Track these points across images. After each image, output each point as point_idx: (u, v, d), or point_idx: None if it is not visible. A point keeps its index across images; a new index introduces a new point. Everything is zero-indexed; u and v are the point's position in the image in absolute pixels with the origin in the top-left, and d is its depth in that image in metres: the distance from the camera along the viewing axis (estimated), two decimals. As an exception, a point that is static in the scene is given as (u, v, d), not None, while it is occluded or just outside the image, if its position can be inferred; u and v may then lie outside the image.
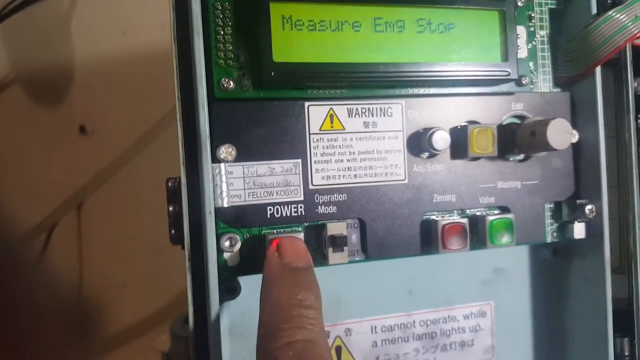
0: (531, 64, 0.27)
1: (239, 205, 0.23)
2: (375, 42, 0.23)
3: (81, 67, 0.53)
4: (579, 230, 0.27)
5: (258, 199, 0.23)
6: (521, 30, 0.27)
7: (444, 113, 0.26)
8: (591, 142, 0.27)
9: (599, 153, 0.27)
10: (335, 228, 0.24)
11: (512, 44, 0.25)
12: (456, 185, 0.26)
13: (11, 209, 0.54)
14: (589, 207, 0.27)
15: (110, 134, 0.53)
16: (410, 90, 0.24)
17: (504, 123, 0.26)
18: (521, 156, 0.27)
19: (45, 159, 0.53)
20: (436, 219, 0.25)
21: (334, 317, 0.27)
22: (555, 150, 0.24)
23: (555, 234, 0.28)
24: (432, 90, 0.25)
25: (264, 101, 0.23)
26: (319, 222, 0.24)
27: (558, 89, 0.28)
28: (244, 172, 0.23)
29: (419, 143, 0.25)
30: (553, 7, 0.28)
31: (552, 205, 0.28)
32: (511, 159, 0.27)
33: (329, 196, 0.24)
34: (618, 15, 0.25)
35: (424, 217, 0.26)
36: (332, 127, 0.24)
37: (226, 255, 0.23)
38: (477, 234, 0.25)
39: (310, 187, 0.24)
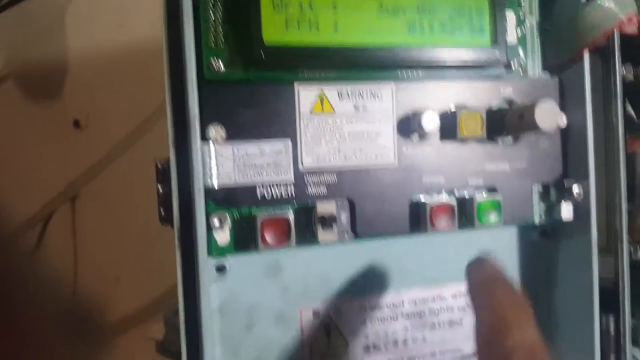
0: (521, 49, 0.27)
1: (228, 185, 0.23)
2: (365, 25, 0.23)
3: (76, 61, 0.53)
4: (566, 211, 0.28)
5: (248, 180, 0.24)
6: (511, 15, 0.27)
7: (434, 96, 0.26)
8: (579, 125, 0.27)
9: (586, 136, 0.27)
10: (324, 208, 0.24)
11: (501, 29, 0.25)
12: (445, 167, 0.26)
13: (6, 204, 0.54)
14: (576, 188, 0.27)
15: (104, 128, 0.53)
16: (401, 74, 0.25)
17: (493, 107, 0.27)
18: (510, 139, 0.27)
19: (40, 154, 0.53)
20: (425, 199, 0.26)
21: (323, 296, 0.27)
22: (543, 132, 0.24)
23: (543, 215, 0.28)
24: (422, 74, 0.25)
25: (254, 82, 0.23)
26: (309, 203, 0.24)
27: (547, 75, 0.28)
28: (233, 153, 0.23)
29: (408, 125, 0.25)
30: (543, -8, 0.28)
31: (540, 188, 0.28)
32: (500, 141, 0.27)
33: (318, 177, 0.25)
34: (606, 2, 0.26)
35: (413, 197, 0.26)
36: (322, 109, 0.24)
37: (216, 234, 0.23)
38: (465, 214, 0.26)
39: (301, 168, 0.24)
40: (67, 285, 0.55)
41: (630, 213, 0.30)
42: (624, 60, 0.29)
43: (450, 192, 0.27)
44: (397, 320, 0.28)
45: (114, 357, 0.55)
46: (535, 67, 0.28)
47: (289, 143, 0.24)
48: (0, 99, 0.53)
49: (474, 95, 0.26)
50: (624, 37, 0.28)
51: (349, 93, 0.25)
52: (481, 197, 0.26)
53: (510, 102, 0.27)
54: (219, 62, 0.22)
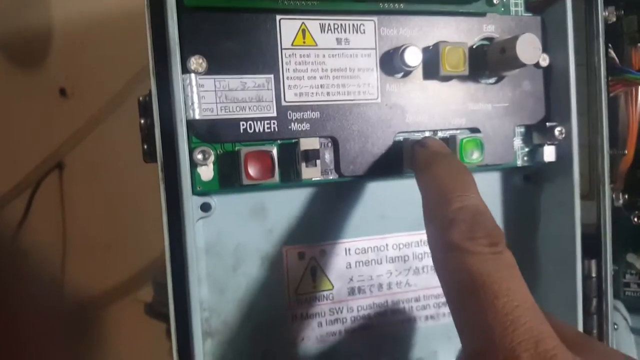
0: (503, -15, 0.27)
1: (211, 119, 0.23)
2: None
3: (60, 31, 0.53)
4: (548, 153, 0.28)
5: (230, 114, 0.24)
6: (494, -51, 0.27)
7: (416, 32, 0.26)
8: (561, 65, 0.27)
9: (568, 75, 0.27)
10: (308, 143, 0.24)
11: (483, -39, 0.25)
12: (428, 106, 0.26)
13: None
14: (558, 129, 0.27)
15: (90, 96, 0.53)
16: (382, 5, 0.25)
17: (475, 45, 0.27)
18: (493, 79, 0.27)
19: (27, 123, 0.52)
20: (408, 138, 0.26)
21: (308, 238, 0.27)
22: (525, 65, 0.24)
23: (526, 157, 0.28)
24: (404, 6, 0.25)
25: (235, 12, 0.23)
26: (292, 139, 0.24)
27: (530, 13, 0.28)
28: (215, 86, 0.23)
29: (391, 62, 0.25)
30: None
31: (522, 130, 0.28)
32: (482, 81, 0.27)
33: (302, 113, 0.24)
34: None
35: (397, 137, 0.26)
36: (304, 42, 0.24)
37: (200, 169, 0.23)
38: (448, 152, 0.26)
39: (283, 103, 0.24)
40: (56, 257, 0.55)
41: (613, 158, 0.30)
42: (606, 3, 0.29)
43: (434, 132, 0.27)
44: (382, 264, 0.28)
45: (103, 324, 0.55)
46: (518, 7, 0.28)
47: (272, 77, 0.24)
48: (-14, 69, 0.52)
49: (457, 32, 0.26)
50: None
51: (331, 26, 0.24)
52: (464, 136, 0.26)
53: (492, 40, 0.27)
54: (198, -13, 0.22)
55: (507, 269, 0.18)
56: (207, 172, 0.23)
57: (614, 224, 0.29)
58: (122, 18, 0.52)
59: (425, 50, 0.26)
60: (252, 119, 0.24)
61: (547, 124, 0.28)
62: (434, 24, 0.26)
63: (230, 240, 0.26)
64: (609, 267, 0.29)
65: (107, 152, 0.53)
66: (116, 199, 0.53)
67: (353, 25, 0.25)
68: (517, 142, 0.28)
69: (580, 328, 0.28)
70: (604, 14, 0.28)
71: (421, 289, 0.29)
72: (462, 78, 0.26)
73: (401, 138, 0.26)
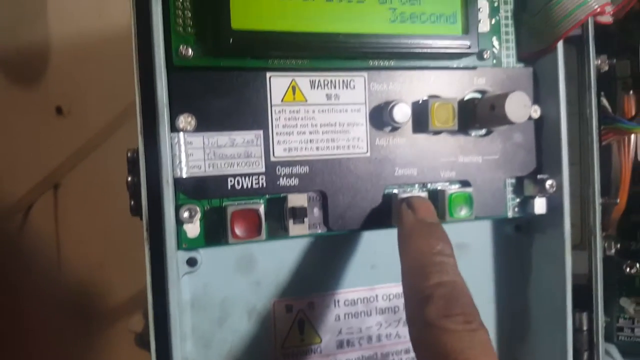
0: (494, 38, 0.27)
1: (198, 176, 0.23)
2: (336, 12, 0.23)
3: (58, 49, 0.53)
4: (539, 205, 0.28)
5: (218, 170, 0.23)
6: (484, 4, 0.27)
7: (406, 87, 0.26)
8: (553, 117, 0.27)
9: (559, 128, 0.27)
10: (296, 200, 0.24)
11: (473, 17, 0.25)
12: (418, 159, 0.26)
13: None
14: (549, 182, 0.27)
15: (87, 115, 0.53)
16: (372, 63, 0.25)
17: (465, 98, 0.26)
18: (483, 131, 0.27)
19: (22, 141, 0.52)
20: (397, 192, 0.26)
21: (296, 290, 0.27)
22: (514, 123, 0.24)
23: (516, 209, 0.28)
24: (394, 63, 0.25)
25: (224, 70, 0.23)
26: (281, 195, 0.24)
27: (521, 65, 0.28)
28: (204, 143, 0.23)
29: (380, 116, 0.25)
30: (516, -18, 0.28)
31: (513, 181, 0.28)
32: (473, 133, 0.27)
33: (290, 168, 0.24)
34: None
35: (386, 190, 0.26)
36: (294, 98, 0.24)
37: (186, 226, 0.23)
38: (437, 207, 0.26)
39: (272, 158, 0.24)
40: (51, 273, 0.54)
41: (605, 206, 0.30)
42: (598, 51, 0.28)
43: (423, 185, 0.26)
44: (371, 315, 0.28)
45: (97, 348, 0.55)
46: (509, 57, 0.28)
47: (261, 133, 0.24)
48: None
49: (447, 86, 0.26)
50: (599, 28, 0.28)
51: (321, 82, 0.24)
52: (453, 190, 0.26)
53: (483, 93, 0.27)
54: (187, 48, 0.22)
55: (481, 345, 0.19)
56: (193, 230, 0.23)
57: (607, 270, 0.29)
58: (120, 38, 0.52)
59: (415, 104, 0.26)
60: (240, 175, 0.24)
61: (538, 176, 0.28)
62: (424, 78, 0.26)
63: (217, 293, 0.26)
64: (601, 319, 0.29)
65: (103, 173, 0.53)
66: (110, 219, 0.52)
67: (343, 81, 0.25)
68: (508, 193, 0.28)
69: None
70: (596, 62, 0.28)
71: (411, 339, 0.29)
72: (452, 131, 0.26)
73: (391, 191, 0.26)
